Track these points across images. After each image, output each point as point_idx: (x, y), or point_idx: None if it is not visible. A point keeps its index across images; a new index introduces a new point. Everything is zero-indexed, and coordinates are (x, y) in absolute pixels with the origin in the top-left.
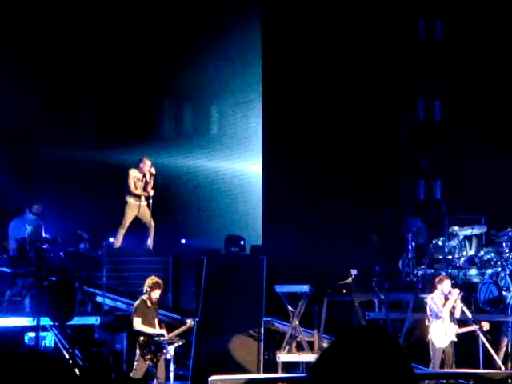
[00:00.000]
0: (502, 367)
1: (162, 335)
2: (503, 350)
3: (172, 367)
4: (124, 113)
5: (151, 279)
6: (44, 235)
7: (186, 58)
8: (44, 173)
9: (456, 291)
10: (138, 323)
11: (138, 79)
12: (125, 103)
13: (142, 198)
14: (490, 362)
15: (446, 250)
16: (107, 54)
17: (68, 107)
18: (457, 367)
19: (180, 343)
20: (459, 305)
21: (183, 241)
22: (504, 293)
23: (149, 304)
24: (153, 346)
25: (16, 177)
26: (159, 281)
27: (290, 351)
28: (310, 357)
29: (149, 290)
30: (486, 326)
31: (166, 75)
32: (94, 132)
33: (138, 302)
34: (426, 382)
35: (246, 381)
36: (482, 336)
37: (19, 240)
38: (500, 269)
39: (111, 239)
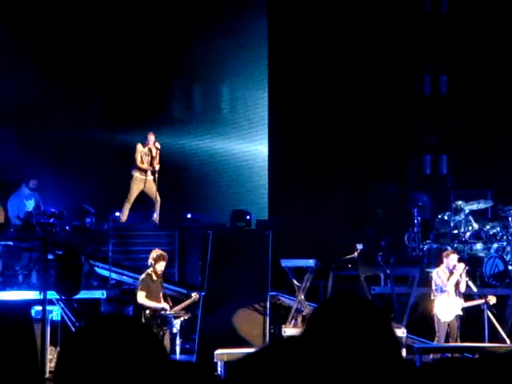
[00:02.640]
0: (508, 340)
1: (164, 309)
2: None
3: (178, 341)
4: (133, 92)
5: (155, 251)
6: (42, 208)
7: (194, 36)
8: (52, 149)
9: (461, 265)
10: (141, 297)
11: (147, 59)
12: (134, 83)
13: (148, 173)
14: (495, 336)
15: (452, 224)
16: (117, 33)
17: (77, 87)
18: (462, 341)
19: (186, 317)
20: (464, 279)
21: (189, 215)
22: (510, 267)
23: (154, 277)
24: (158, 320)
25: (23, 153)
26: (163, 253)
27: (295, 325)
28: None
29: (153, 262)
30: (492, 299)
31: (176, 55)
32: (104, 112)
33: (143, 275)
34: (431, 355)
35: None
36: (487, 310)
37: (25, 214)
38: (506, 243)
39: (117, 213)
